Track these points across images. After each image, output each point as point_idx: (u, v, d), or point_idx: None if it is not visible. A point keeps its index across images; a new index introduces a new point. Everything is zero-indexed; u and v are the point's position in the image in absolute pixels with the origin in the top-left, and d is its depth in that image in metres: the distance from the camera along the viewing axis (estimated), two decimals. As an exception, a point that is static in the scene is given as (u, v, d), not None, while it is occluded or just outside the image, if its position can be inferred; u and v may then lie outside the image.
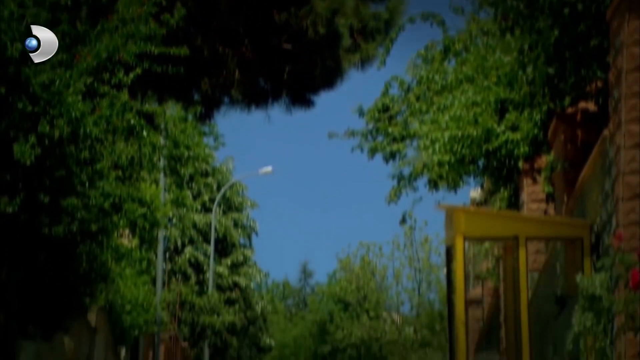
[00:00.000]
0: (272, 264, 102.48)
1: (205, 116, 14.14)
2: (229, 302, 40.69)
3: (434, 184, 13.56)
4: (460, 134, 12.55)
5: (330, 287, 52.43)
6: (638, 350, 7.71)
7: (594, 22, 10.02)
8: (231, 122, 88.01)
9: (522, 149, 12.51)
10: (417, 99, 14.39)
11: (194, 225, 39.63)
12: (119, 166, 10.43)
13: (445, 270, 14.30)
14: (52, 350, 12.84)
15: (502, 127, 12.61)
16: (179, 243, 39.60)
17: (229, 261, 41.86)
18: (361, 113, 15.14)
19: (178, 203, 24.50)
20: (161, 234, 24.91)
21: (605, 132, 8.90)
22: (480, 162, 13.14)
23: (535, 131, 12.43)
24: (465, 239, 10.33)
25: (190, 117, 15.01)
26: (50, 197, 9.56)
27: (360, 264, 46.88)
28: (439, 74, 14.03)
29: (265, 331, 45.78)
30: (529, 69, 11.76)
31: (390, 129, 14.65)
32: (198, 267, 39.96)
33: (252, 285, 44.02)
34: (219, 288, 40.45)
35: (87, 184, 10.06)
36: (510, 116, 12.61)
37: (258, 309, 43.80)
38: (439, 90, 13.79)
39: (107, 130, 9.85)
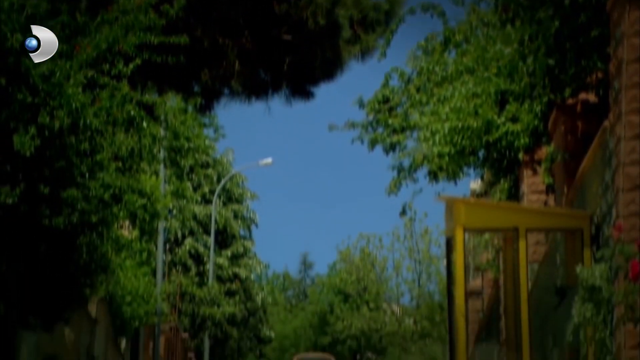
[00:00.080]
0: (272, 256, 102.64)
1: (205, 107, 14.14)
2: (229, 294, 40.73)
3: (434, 176, 13.56)
4: (460, 125, 12.55)
5: (330, 278, 52.51)
6: (638, 341, 7.72)
7: (595, 13, 10.01)
8: (231, 113, 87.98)
9: (522, 140, 12.51)
10: (417, 90, 14.38)
11: (194, 217, 39.65)
12: (119, 157, 10.43)
13: (445, 261, 14.32)
14: (52, 341, 12.86)
15: (502, 119, 12.61)
16: (179, 234, 39.62)
17: (229, 252, 41.89)
18: (361, 104, 15.14)
19: (178, 194, 24.50)
20: (161, 225, 24.92)
21: (606, 123, 8.90)
22: (481, 154, 13.13)
23: (536, 122, 12.42)
24: (465, 230, 10.34)
25: (190, 108, 14.98)
26: (50, 188, 9.56)
27: (360, 255, 46.93)
28: (439, 65, 14.01)
29: (266, 322, 45.84)
30: (529, 60, 11.76)
31: (390, 121, 14.64)
32: (198, 259, 39.99)
33: (252, 276, 44.07)
34: (219, 279, 40.49)
35: (87, 175, 10.06)
36: (511, 107, 12.60)
37: (258, 300, 43.84)
38: (439, 82, 13.78)
39: (107, 121, 9.85)
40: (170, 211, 30.92)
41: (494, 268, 16.17)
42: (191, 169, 37.94)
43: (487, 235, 15.65)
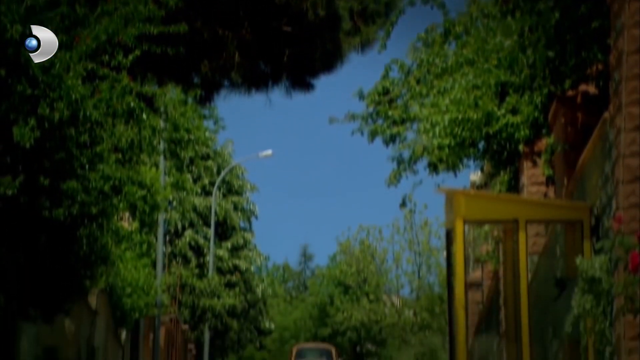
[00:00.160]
0: (272, 247, 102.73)
1: (205, 99, 14.13)
2: (229, 285, 40.77)
3: (434, 167, 13.55)
4: (460, 117, 12.54)
5: (330, 270, 52.55)
6: (637, 332, 7.72)
7: (595, 4, 9.99)
8: (231, 105, 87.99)
9: (522, 132, 12.50)
10: (418, 82, 14.36)
11: (194, 209, 39.67)
12: (119, 149, 10.42)
13: (445, 253, 14.33)
14: (52, 332, 12.88)
15: (503, 110, 12.60)
16: (179, 226, 39.63)
17: (229, 244, 41.91)
18: (361, 96, 15.12)
19: (178, 186, 24.53)
20: (161, 217, 24.93)
21: (606, 115, 8.89)
22: (481, 145, 13.12)
23: (536, 114, 12.41)
24: (465, 222, 10.34)
25: (190, 100, 14.98)
26: (51, 180, 9.56)
27: (360, 247, 46.97)
28: (439, 57, 13.99)
29: (266, 314, 45.90)
30: (530, 52, 11.74)
31: (390, 112, 14.62)
32: (198, 250, 40.02)
33: (252, 268, 44.10)
34: (219, 271, 40.52)
35: (87, 167, 10.05)
36: (511, 99, 12.59)
37: (258, 292, 43.89)
38: (439, 74, 13.76)
39: (107, 113, 9.84)
40: (170, 203, 30.94)
41: (494, 260, 16.18)
42: (191, 161, 37.95)
43: (487, 227, 15.66)
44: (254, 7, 12.90)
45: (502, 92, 12.79)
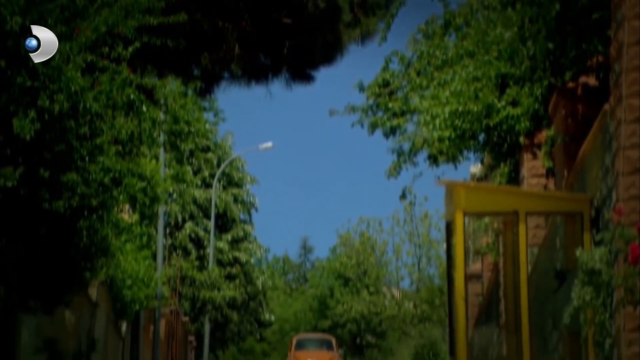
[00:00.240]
0: (272, 240, 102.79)
1: (205, 91, 14.11)
2: (230, 277, 40.80)
3: (434, 159, 13.56)
4: (460, 109, 12.53)
5: (330, 262, 52.59)
6: (637, 323, 7.73)
7: (595, -4, 9.99)
8: (231, 97, 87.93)
9: (522, 124, 12.50)
10: (418, 74, 14.35)
11: (194, 201, 39.68)
12: (119, 141, 10.41)
13: (445, 245, 14.33)
14: (52, 324, 12.88)
15: (503, 102, 12.59)
16: (180, 218, 39.65)
17: (229, 236, 41.93)
18: (361, 88, 15.12)
19: (178, 178, 24.52)
20: (161, 209, 24.94)
21: (606, 107, 8.89)
22: (481, 138, 13.12)
23: (536, 106, 12.41)
24: (465, 214, 10.35)
25: (190, 92, 14.97)
26: (50, 172, 9.55)
27: (360, 239, 47.01)
28: (439, 49, 13.98)
29: (266, 306, 45.93)
30: (530, 44, 11.73)
31: (390, 104, 14.62)
32: (198, 243, 40.04)
33: (253, 260, 44.13)
34: (220, 263, 40.55)
35: (87, 159, 10.04)
36: (511, 91, 12.58)
37: (258, 284, 43.91)
38: (440, 65, 13.75)
39: (107, 105, 9.83)
40: (170, 195, 30.95)
41: (494, 252, 16.19)
42: (191, 153, 37.96)
43: (487, 219, 15.66)
44: (254, -2, 12.89)
45: (502, 84, 12.79)
